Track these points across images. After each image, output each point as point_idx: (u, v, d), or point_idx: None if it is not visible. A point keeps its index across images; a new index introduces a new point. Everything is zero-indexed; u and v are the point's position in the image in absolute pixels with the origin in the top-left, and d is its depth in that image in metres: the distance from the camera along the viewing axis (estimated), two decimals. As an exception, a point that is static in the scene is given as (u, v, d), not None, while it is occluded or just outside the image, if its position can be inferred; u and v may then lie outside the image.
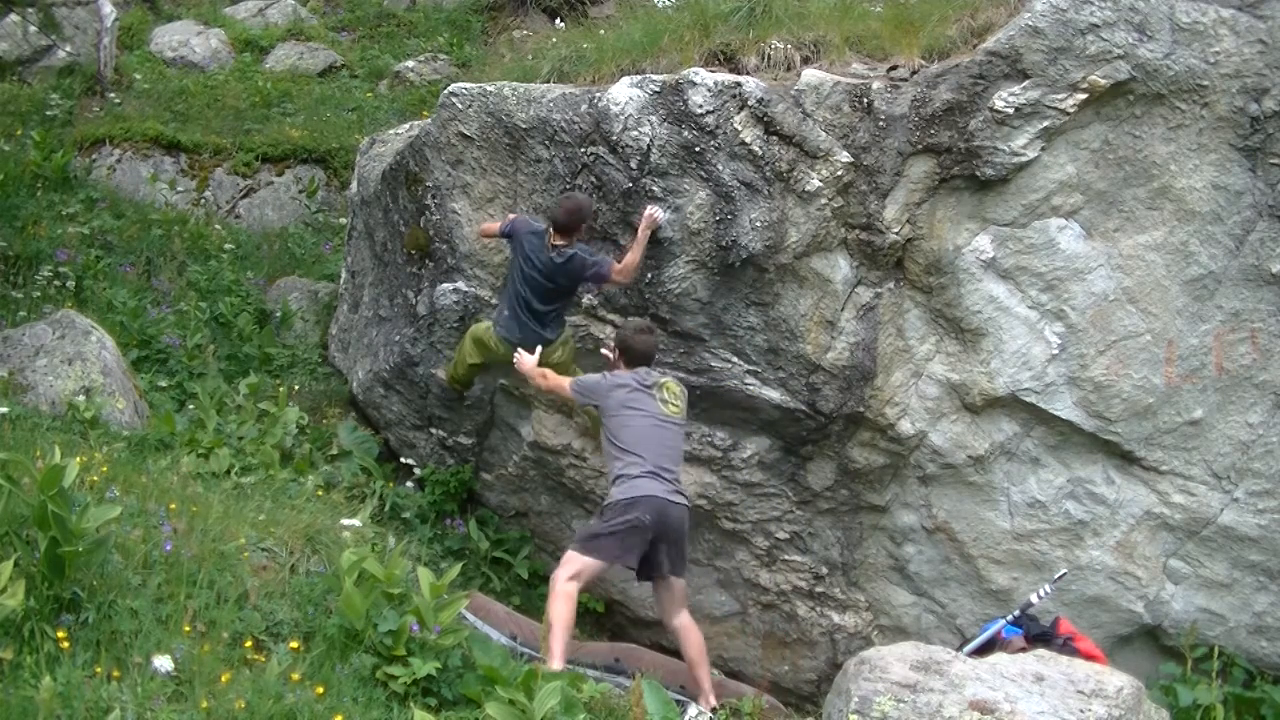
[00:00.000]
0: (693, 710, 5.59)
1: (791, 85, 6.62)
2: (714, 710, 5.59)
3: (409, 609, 4.73)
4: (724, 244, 6.61)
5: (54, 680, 3.70)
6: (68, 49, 13.12)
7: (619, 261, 6.51)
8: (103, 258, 9.42)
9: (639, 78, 6.74)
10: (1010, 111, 6.26)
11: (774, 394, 6.83)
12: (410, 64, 14.06)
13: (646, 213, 6.51)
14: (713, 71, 6.77)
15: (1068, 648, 5.28)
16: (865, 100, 6.51)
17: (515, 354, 6.51)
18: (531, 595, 7.57)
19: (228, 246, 10.25)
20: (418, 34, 15.24)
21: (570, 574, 5.56)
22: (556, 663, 5.31)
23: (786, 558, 7.21)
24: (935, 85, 6.43)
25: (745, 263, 6.63)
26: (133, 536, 4.77)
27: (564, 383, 6.14)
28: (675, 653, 7.12)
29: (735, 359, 6.83)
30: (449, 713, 4.54)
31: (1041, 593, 5.87)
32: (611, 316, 6.96)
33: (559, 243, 6.48)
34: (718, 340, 6.83)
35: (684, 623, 5.79)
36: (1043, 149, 6.33)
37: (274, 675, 4.16)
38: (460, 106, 7.10)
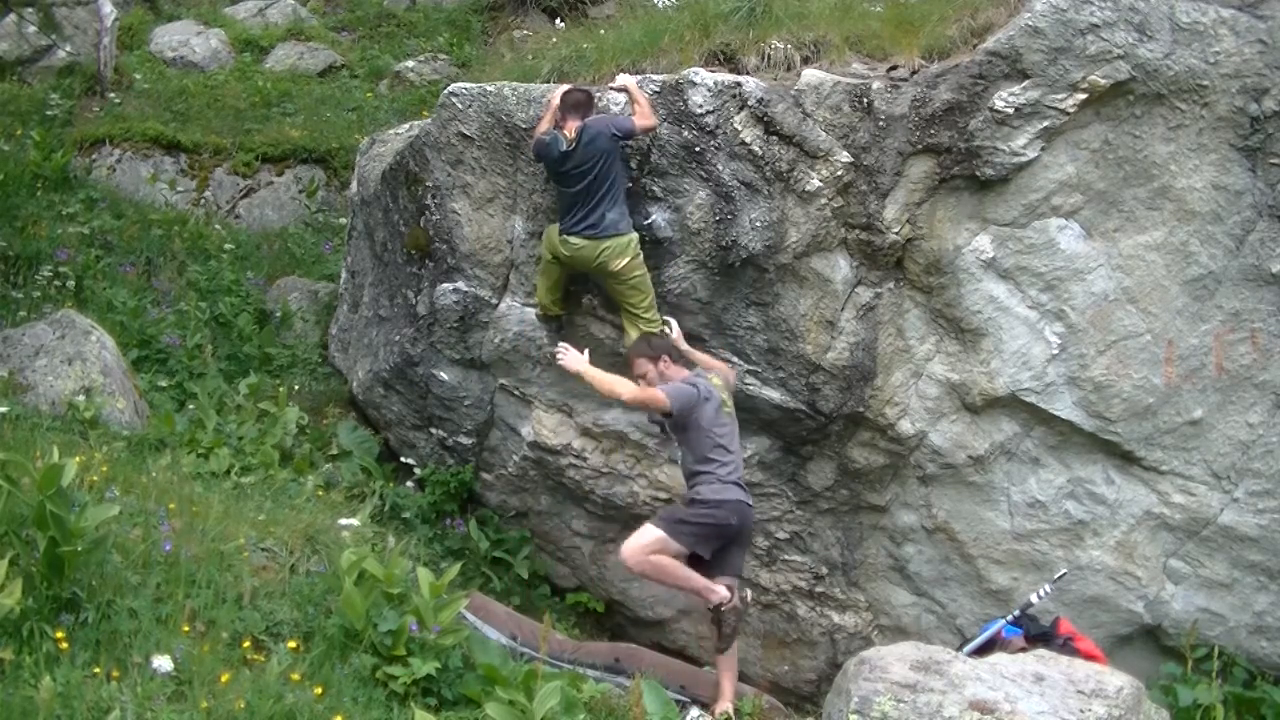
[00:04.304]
0: (694, 711, 5.59)
1: (791, 85, 6.61)
2: (727, 715, 5.57)
3: (409, 609, 4.73)
4: (724, 244, 6.61)
5: (54, 680, 3.70)
6: (68, 49, 13.07)
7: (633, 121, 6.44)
8: (103, 258, 9.40)
9: (639, 77, 6.74)
10: (1010, 111, 6.26)
11: (774, 394, 6.83)
12: (410, 64, 14.04)
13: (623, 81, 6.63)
14: (713, 71, 6.77)
15: (1068, 648, 5.28)
16: (865, 100, 6.51)
17: (559, 352, 6.08)
18: (532, 595, 7.56)
19: (228, 246, 10.22)
20: (418, 34, 15.21)
21: (652, 550, 5.62)
22: (719, 592, 5.63)
23: (786, 558, 7.21)
24: (935, 85, 6.43)
25: (745, 263, 6.63)
26: (132, 536, 4.77)
27: (658, 396, 5.76)
28: (675, 652, 7.14)
29: (735, 359, 6.82)
30: (449, 713, 4.54)
31: (1041, 593, 5.87)
32: (611, 316, 6.95)
33: (573, 125, 6.38)
34: (718, 340, 6.83)
35: None
36: (1043, 149, 6.33)
37: (274, 675, 4.16)
38: (460, 106, 7.10)
